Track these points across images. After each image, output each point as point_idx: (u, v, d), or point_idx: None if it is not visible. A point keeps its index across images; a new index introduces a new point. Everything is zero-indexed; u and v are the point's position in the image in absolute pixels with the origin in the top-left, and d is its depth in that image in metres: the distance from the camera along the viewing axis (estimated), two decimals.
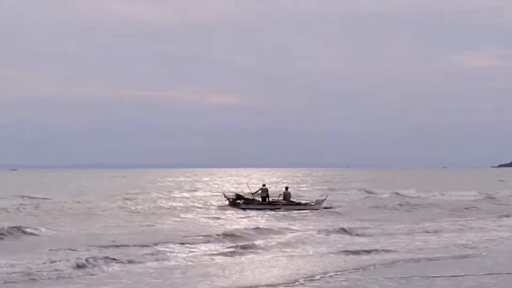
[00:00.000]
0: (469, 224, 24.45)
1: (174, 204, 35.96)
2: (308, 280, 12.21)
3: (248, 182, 45.17)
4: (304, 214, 29.02)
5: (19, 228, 19.84)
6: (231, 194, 35.56)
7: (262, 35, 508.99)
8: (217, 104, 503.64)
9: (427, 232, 21.82)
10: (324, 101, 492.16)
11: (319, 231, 20.61)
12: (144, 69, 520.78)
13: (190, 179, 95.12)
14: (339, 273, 13.00)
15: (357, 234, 20.47)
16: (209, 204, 35.41)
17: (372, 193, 48.71)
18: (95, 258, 13.69)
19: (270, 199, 32.17)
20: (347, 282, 12.08)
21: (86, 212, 29.68)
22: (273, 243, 17.66)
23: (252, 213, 29.09)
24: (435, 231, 21.96)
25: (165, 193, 48.38)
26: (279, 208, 30.35)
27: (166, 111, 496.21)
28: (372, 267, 13.99)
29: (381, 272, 13.29)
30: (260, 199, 32.04)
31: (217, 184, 72.81)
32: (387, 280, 12.20)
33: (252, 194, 32.87)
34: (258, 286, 11.60)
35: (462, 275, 12.86)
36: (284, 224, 24.30)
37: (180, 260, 14.50)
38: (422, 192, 47.96)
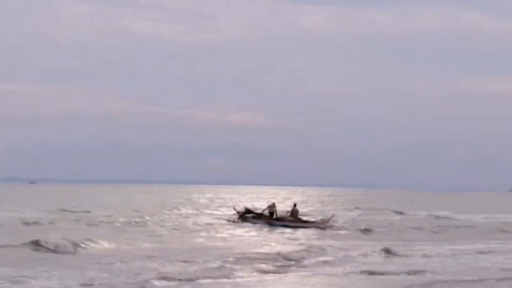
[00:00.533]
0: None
1: (208, 219, 36.54)
2: None
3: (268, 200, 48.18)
4: (344, 234, 29.33)
5: None
6: (241, 208, 36.83)
7: (279, 56, 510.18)
8: (234, 122, 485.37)
9: (469, 254, 21.32)
10: (339, 121, 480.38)
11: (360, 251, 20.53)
12: (163, 87, 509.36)
13: (217, 196, 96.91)
14: None
15: (398, 255, 20.14)
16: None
17: (405, 214, 49.31)
18: None
19: (278, 215, 33.27)
20: None
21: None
22: (321, 262, 17.62)
23: (288, 230, 29.75)
24: (481, 252, 21.63)
25: (199, 209, 48.53)
26: (285, 225, 31.22)
27: (183, 128, 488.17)
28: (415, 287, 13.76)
29: None
30: (268, 215, 33.23)
31: (240, 200, 72.47)
32: None
33: (262, 210, 34.42)
34: None
35: None
36: (326, 242, 24.01)
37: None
38: (457, 214, 48.22)
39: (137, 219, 34.30)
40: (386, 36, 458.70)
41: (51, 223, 31.12)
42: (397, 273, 15.79)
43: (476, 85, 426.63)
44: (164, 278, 13.16)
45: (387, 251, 20.40)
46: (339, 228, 32.09)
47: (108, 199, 69.52)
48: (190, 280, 13.40)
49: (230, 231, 28.63)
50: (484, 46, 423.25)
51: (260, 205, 43.56)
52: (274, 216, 32.99)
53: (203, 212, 44.38)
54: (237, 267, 15.58)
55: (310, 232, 29.16)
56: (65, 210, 41.59)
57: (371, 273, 15.49)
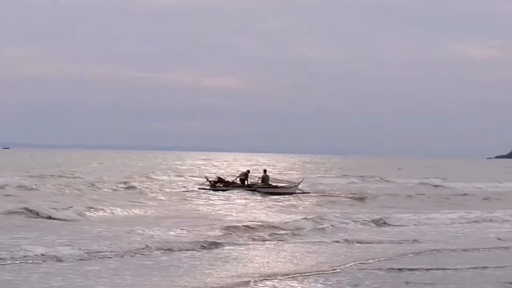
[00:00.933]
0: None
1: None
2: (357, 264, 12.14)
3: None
4: (339, 202, 29.48)
5: None
6: (213, 177, 36.59)
7: (262, 20, 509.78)
8: (214, 87, 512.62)
9: (466, 222, 21.39)
10: (322, 85, 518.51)
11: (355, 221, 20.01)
12: (144, 50, 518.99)
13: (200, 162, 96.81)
14: (374, 260, 12.78)
15: (391, 224, 19.97)
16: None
17: (395, 182, 49.39)
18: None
19: (249, 182, 33.49)
20: (382, 271, 11.52)
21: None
22: (312, 230, 17.22)
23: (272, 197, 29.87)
24: (477, 221, 21.71)
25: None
26: (255, 190, 31.62)
27: (162, 92, 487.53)
28: (410, 255, 13.75)
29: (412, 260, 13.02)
30: (239, 182, 33.67)
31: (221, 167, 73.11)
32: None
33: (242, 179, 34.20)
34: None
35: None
36: (322, 210, 24.64)
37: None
38: (448, 182, 48.19)
39: (127, 185, 34.47)
40: (371, 3, 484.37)
41: (36, 189, 30.80)
42: (389, 242, 15.89)
43: (457, 51, 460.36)
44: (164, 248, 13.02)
45: (381, 220, 20.29)
46: (333, 196, 32.47)
47: (90, 165, 68.92)
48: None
49: (223, 200, 28.52)
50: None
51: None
52: (246, 183, 33.36)
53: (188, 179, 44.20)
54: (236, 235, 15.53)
55: (285, 197, 29.77)
56: (52, 176, 40.60)
57: (359, 241, 15.54)
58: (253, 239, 15.03)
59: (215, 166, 79.52)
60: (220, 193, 30.70)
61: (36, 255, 11.26)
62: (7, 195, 26.36)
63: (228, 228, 16.53)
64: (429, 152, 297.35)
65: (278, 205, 26.49)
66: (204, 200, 27.96)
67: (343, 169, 76.04)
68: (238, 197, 29.14)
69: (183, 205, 25.06)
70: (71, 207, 20.19)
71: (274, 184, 34.12)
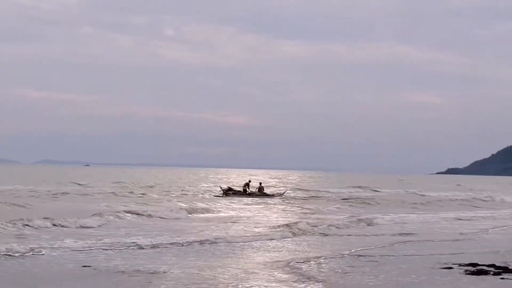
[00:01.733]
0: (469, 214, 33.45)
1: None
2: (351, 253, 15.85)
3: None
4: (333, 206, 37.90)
5: None
6: (225, 187, 47.47)
7: (267, 74, 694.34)
8: (234, 122, 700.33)
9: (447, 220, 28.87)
10: (304, 119, 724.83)
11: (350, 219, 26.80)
12: (184, 96, 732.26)
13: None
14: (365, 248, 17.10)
15: (377, 224, 25.61)
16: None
17: (379, 191, 62.38)
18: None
19: (250, 190, 44.75)
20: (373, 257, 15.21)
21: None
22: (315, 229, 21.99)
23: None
24: (455, 219, 29.38)
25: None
26: (254, 197, 42.94)
27: (197, 126, 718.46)
28: (396, 244, 18.20)
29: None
30: (242, 191, 44.44)
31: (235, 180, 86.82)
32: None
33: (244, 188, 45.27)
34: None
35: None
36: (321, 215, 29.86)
37: None
38: (424, 191, 62.98)
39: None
40: (345, 63, 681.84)
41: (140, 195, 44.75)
42: (379, 235, 21.05)
43: (405, 97, 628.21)
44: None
45: (367, 220, 26.26)
46: (338, 202, 42.28)
47: (153, 179, 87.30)
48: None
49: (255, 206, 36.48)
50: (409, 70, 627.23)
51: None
52: (247, 192, 44.33)
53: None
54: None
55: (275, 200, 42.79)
56: (147, 186, 60.46)
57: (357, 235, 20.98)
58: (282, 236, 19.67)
59: (236, 178, 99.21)
60: (249, 201, 39.49)
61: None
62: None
63: (270, 227, 22.18)
64: (386, 169, 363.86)
65: (291, 210, 33.48)
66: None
67: (340, 182, 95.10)
68: (255, 203, 37.78)
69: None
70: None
71: (267, 192, 46.33)
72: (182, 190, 53.47)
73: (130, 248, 15.76)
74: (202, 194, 48.89)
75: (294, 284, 11.29)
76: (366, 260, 14.64)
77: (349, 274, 12.55)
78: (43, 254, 14.14)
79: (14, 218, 20.13)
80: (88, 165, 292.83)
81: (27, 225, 19.43)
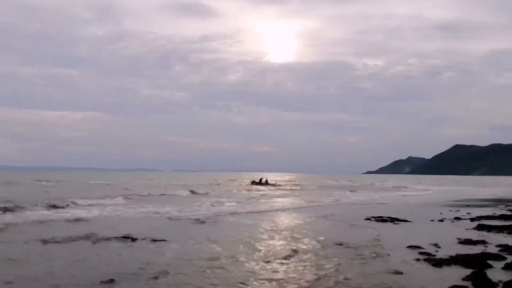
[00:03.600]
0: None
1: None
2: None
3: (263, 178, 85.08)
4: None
5: None
6: (249, 180, 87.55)
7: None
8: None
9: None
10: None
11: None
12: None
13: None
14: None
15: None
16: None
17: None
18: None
19: (263, 181, 79.20)
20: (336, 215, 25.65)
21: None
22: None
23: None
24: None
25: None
26: (266, 185, 74.66)
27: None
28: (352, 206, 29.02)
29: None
30: (259, 182, 79.29)
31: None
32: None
33: (259, 181, 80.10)
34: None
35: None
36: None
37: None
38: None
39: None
40: None
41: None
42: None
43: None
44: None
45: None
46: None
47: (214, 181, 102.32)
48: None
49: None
50: None
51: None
52: (262, 183, 78.31)
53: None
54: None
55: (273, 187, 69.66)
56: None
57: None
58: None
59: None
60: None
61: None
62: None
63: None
64: (328, 170, 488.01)
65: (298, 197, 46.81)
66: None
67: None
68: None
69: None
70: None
71: (270, 183, 78.75)
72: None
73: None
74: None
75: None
76: (332, 217, 25.70)
77: (315, 222, 23.62)
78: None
79: None
80: (196, 171, 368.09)
81: None
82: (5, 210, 25.04)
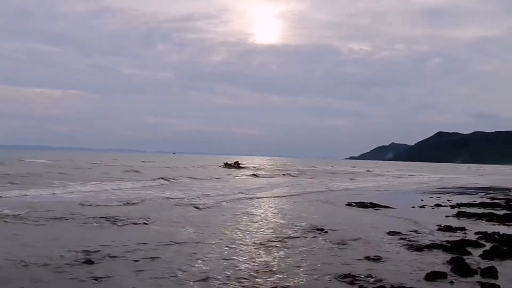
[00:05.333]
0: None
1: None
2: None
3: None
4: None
5: None
6: (224, 162, 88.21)
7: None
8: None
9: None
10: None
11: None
12: None
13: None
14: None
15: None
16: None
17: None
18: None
19: (235, 164, 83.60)
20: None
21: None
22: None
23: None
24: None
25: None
26: (238, 168, 79.37)
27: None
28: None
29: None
30: (233, 164, 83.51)
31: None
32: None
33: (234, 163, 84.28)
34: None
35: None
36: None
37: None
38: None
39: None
40: None
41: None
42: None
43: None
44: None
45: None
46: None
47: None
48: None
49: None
50: None
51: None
52: (235, 165, 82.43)
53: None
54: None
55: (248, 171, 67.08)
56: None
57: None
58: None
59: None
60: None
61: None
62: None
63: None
64: (311, 155, 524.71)
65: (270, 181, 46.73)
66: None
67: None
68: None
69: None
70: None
71: (241, 165, 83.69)
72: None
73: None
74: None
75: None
76: (315, 200, 25.68)
77: (294, 204, 23.52)
78: None
79: None
80: (174, 153, 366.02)
81: None
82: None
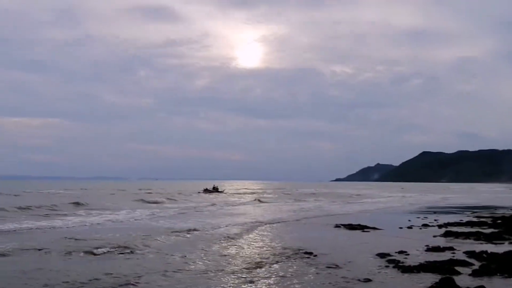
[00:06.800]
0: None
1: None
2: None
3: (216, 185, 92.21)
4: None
5: None
6: (203, 188, 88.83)
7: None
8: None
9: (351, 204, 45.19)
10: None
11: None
12: None
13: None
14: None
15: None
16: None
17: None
18: None
19: (213, 189, 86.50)
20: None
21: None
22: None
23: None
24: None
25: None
26: (215, 192, 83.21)
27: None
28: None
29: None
30: (212, 189, 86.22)
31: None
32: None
33: (212, 188, 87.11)
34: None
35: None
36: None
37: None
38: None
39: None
40: None
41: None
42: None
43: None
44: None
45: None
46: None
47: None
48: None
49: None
50: None
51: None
52: (213, 189, 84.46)
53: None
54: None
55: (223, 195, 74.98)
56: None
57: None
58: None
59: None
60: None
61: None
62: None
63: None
64: (296, 178, 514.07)
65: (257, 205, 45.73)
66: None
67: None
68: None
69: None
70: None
71: (219, 190, 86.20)
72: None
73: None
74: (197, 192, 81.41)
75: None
76: (301, 225, 25.60)
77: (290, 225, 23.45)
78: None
79: None
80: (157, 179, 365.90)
81: None
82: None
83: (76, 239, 18.62)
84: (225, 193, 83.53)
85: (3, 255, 14.95)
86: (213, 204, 46.24)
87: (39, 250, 15.84)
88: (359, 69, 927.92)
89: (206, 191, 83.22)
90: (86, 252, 15.44)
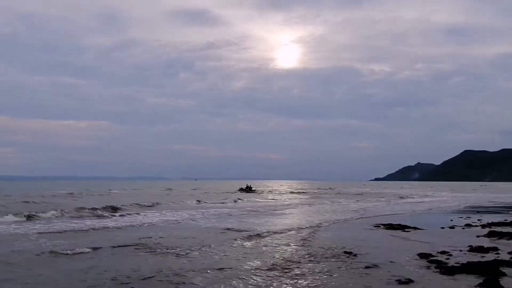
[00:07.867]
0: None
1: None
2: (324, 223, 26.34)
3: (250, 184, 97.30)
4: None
5: None
6: (239, 187, 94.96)
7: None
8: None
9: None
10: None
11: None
12: None
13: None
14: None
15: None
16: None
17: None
18: None
19: (249, 188, 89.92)
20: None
21: None
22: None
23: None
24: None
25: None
26: (252, 192, 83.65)
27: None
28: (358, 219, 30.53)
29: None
30: (246, 189, 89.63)
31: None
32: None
33: (246, 188, 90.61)
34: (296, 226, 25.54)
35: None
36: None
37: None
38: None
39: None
40: None
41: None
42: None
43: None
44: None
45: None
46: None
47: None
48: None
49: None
50: None
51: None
52: (247, 189, 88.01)
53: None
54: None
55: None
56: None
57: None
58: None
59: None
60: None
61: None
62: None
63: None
64: (335, 177, 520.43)
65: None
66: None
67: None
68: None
69: None
70: None
71: (252, 189, 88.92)
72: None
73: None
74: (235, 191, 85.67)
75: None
76: (341, 225, 25.47)
77: (328, 227, 23.29)
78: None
79: None
80: (197, 180, 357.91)
81: None
82: None
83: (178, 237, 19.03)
84: (258, 192, 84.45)
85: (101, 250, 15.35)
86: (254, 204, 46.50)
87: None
88: (398, 67, 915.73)
89: (241, 190, 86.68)
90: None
